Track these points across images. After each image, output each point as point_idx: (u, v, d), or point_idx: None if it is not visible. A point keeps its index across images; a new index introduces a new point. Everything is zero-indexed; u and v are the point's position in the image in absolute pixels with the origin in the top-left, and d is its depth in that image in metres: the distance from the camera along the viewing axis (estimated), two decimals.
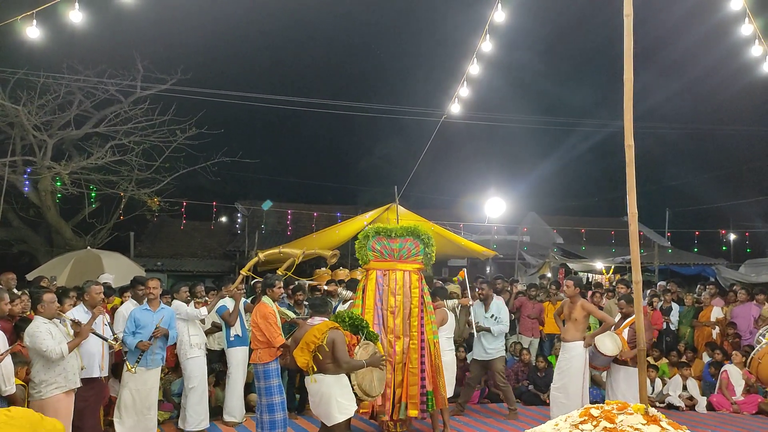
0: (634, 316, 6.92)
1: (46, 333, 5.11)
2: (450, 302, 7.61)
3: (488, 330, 7.83)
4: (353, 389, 5.35)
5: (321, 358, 5.22)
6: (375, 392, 5.59)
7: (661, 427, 3.85)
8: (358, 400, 5.48)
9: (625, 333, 7.03)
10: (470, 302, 7.95)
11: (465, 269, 8.70)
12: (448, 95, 8.93)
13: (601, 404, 4.22)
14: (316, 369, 5.27)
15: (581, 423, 4.00)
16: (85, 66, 12.87)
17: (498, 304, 8.03)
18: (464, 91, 8.25)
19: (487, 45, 7.22)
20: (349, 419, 5.47)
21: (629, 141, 4.17)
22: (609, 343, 6.94)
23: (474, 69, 7.76)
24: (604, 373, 8.81)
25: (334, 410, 5.22)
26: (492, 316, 7.90)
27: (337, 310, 7.54)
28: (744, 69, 8.08)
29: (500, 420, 7.81)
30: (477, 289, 8.38)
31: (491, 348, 7.88)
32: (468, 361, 8.88)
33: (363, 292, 6.87)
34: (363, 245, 6.99)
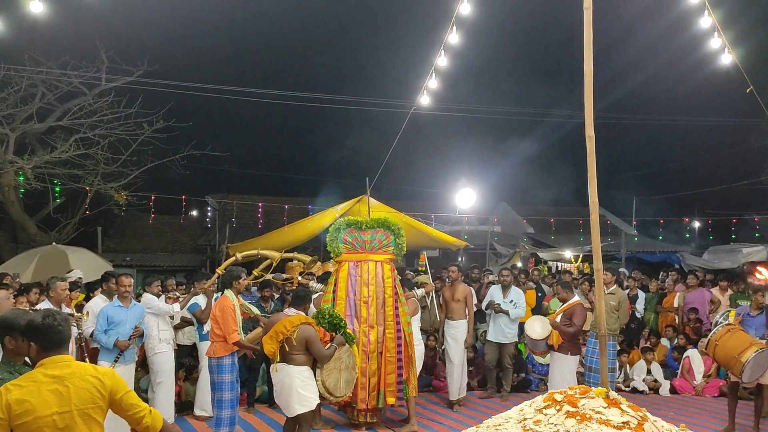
0: (570, 301, 7.15)
1: None
2: (419, 292, 7.71)
3: (506, 313, 8.21)
4: (317, 385, 5.37)
5: (287, 349, 5.26)
6: (339, 393, 5.59)
7: (621, 409, 3.97)
8: (321, 397, 5.49)
9: (558, 318, 7.21)
10: (433, 288, 8.09)
11: (425, 253, 8.86)
12: (418, 87, 8.97)
13: (565, 389, 4.34)
14: (279, 359, 5.30)
15: (545, 408, 4.11)
16: (48, 57, 12.56)
17: (517, 291, 8.49)
18: (433, 83, 8.29)
19: (454, 37, 7.25)
20: (315, 411, 5.50)
21: (590, 132, 4.27)
22: (537, 327, 7.12)
23: (442, 61, 7.80)
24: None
25: (294, 401, 5.26)
26: (511, 301, 8.30)
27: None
28: (704, 61, 8.26)
29: (469, 407, 7.94)
30: (500, 277, 8.77)
31: (509, 332, 8.31)
32: (438, 350, 9.03)
33: (335, 284, 6.94)
34: (334, 238, 7.10)
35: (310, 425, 5.48)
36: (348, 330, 5.85)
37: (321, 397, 5.45)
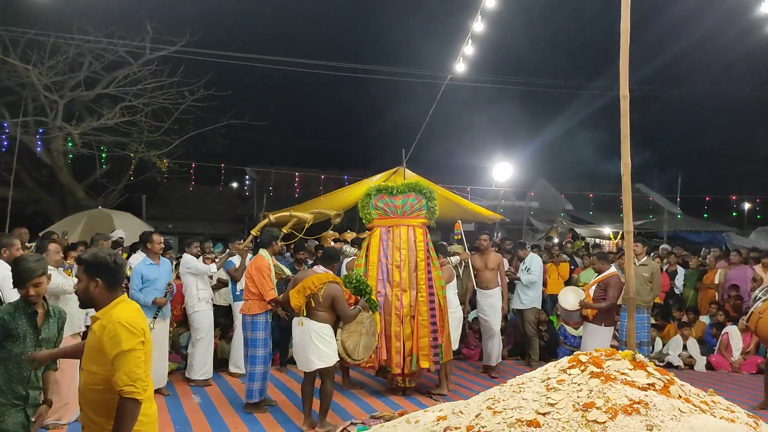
0: (605, 272, 7.00)
1: (54, 274, 5.29)
2: (453, 259, 7.72)
3: (518, 279, 8.44)
4: (336, 344, 5.44)
5: (313, 305, 5.37)
6: (357, 356, 5.62)
7: (648, 372, 3.94)
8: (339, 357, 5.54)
9: (592, 289, 7.09)
10: (468, 257, 8.08)
11: (460, 221, 8.83)
12: (455, 56, 8.89)
13: (591, 352, 4.33)
14: (304, 313, 5.41)
15: (569, 368, 4.11)
16: (95, 27, 12.87)
17: (532, 257, 8.55)
18: (469, 49, 8.20)
19: (491, 1, 7.14)
20: (344, 374, 5.56)
21: (624, 92, 4.17)
22: (571, 298, 7.02)
23: (478, 26, 7.70)
24: None
25: (312, 355, 5.33)
26: (525, 268, 8.40)
27: (343, 266, 7.69)
28: (754, 28, 7.93)
29: (499, 374, 7.97)
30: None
31: (525, 298, 8.41)
32: (470, 320, 9.09)
33: (367, 249, 6.99)
34: (366, 204, 7.11)
35: (333, 380, 5.57)
36: (373, 297, 5.88)
37: (339, 356, 5.52)
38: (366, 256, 6.96)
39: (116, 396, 2.66)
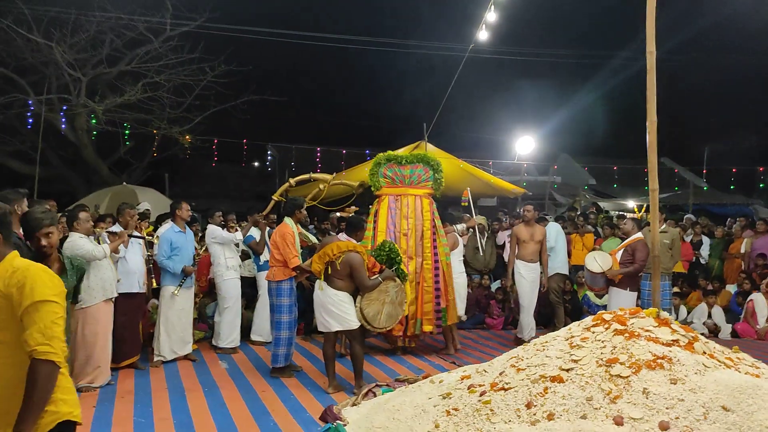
0: (633, 237, 6.95)
1: (84, 241, 5.42)
2: (459, 227, 7.80)
3: None
4: (355, 311, 5.50)
5: (330, 271, 5.48)
6: (377, 324, 5.62)
7: (672, 329, 3.94)
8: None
9: (619, 253, 7.05)
10: (476, 223, 8.15)
11: (468, 189, 8.82)
12: (476, 27, 8.79)
13: (615, 311, 4.33)
14: (323, 278, 5.53)
15: (593, 326, 4.13)
16: (115, 5, 12.93)
17: (549, 226, 8.46)
18: (492, 16, 8.11)
19: None
20: (361, 334, 5.65)
21: (651, 47, 4.13)
22: (598, 261, 6.99)
23: None
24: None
25: (329, 317, 5.49)
26: None
27: None
28: None
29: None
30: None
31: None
32: (493, 290, 9.11)
33: (375, 215, 7.17)
34: (375, 172, 7.29)
35: (360, 342, 5.66)
36: (403, 267, 5.93)
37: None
38: (374, 221, 7.13)
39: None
